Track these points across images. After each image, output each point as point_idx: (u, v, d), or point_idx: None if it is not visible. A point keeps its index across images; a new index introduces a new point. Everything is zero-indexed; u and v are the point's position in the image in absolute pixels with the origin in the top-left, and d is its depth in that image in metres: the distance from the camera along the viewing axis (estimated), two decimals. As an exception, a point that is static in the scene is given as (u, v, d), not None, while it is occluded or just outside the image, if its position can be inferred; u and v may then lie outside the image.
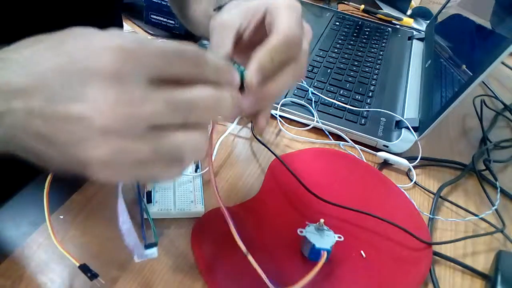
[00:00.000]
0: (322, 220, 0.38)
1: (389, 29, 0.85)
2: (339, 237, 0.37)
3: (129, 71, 0.22)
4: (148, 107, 0.22)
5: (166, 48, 0.23)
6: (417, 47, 0.79)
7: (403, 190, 0.48)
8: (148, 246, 0.34)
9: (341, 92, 0.62)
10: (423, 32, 0.85)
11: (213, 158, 0.32)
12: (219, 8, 0.40)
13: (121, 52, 0.22)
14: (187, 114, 0.24)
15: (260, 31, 0.34)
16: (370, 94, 0.63)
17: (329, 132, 0.55)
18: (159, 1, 1.30)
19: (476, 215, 0.47)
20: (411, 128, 0.55)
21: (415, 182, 0.51)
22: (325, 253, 0.36)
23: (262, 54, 0.30)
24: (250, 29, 0.34)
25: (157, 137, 0.23)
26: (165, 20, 1.33)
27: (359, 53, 0.74)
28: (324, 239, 0.37)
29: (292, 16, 0.31)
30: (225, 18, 0.34)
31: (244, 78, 0.30)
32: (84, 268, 0.33)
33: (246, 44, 0.35)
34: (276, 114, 0.56)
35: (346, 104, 0.58)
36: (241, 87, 0.30)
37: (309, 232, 0.37)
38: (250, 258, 0.32)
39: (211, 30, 0.35)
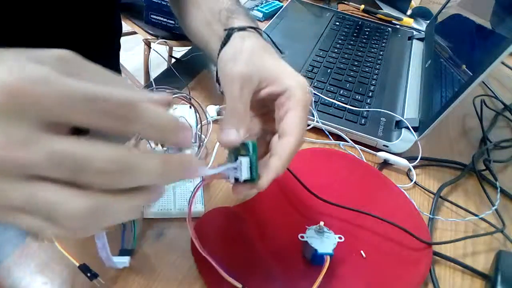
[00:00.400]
0: (322, 223, 0.37)
1: (389, 29, 0.85)
2: (340, 238, 0.37)
3: (12, 110, 0.19)
4: (25, 154, 0.19)
5: (73, 91, 0.20)
6: (417, 47, 0.79)
7: (403, 190, 0.48)
8: (122, 252, 0.35)
9: (341, 92, 0.62)
10: (423, 32, 0.85)
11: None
12: (230, 29, 0.40)
13: (8, 89, 0.19)
14: (76, 173, 0.20)
15: (272, 98, 0.36)
16: (370, 94, 0.63)
17: (329, 132, 0.55)
18: (159, 1, 1.30)
19: (476, 215, 0.47)
20: (411, 128, 0.55)
21: (415, 182, 0.51)
22: (328, 257, 0.36)
23: (276, 165, 0.32)
24: (265, 94, 0.36)
25: (33, 188, 0.20)
26: (165, 20, 1.34)
27: (359, 53, 0.74)
28: (325, 243, 0.37)
29: (305, 119, 0.34)
30: (245, 72, 0.34)
31: (253, 177, 0.32)
32: (84, 268, 0.33)
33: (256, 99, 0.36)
34: (276, 114, 0.56)
35: (346, 104, 0.58)
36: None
37: (310, 237, 0.37)
38: None
39: (229, 78, 0.35)
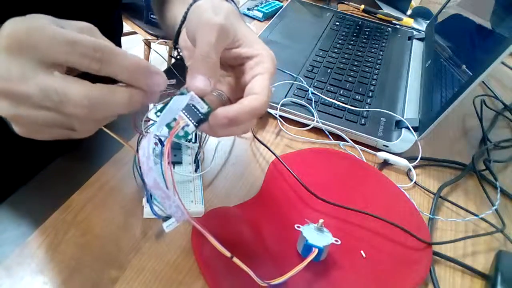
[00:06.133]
0: (321, 221, 0.38)
1: (389, 29, 0.85)
2: (336, 241, 0.37)
3: (15, 52, 0.25)
4: (21, 87, 0.25)
5: (57, 36, 0.25)
6: (417, 47, 0.79)
7: (403, 190, 0.48)
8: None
9: (341, 92, 0.62)
10: (423, 32, 0.85)
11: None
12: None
13: (13, 36, 0.25)
14: (58, 104, 0.26)
15: (239, 61, 0.36)
16: (370, 94, 0.63)
17: (329, 132, 0.55)
18: (159, 1, 1.30)
19: (476, 215, 0.47)
20: (411, 128, 0.55)
21: (415, 182, 0.51)
22: (316, 250, 0.36)
23: (240, 112, 0.31)
24: (235, 54, 0.35)
25: (30, 111, 0.27)
26: (165, 20, 1.34)
27: (359, 53, 0.74)
28: (319, 238, 0.37)
29: (269, 87, 0.34)
30: (224, 24, 0.33)
31: (210, 108, 0.31)
32: None
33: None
34: (276, 114, 0.56)
35: (346, 104, 0.58)
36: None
37: (307, 229, 0.38)
38: (236, 260, 0.32)
39: (208, 25, 0.33)
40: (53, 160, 0.44)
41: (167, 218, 0.33)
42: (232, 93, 0.37)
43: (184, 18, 0.39)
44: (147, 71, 0.28)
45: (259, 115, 0.33)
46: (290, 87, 0.60)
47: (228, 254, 0.31)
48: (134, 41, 1.74)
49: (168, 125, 0.30)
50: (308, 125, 0.55)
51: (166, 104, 0.31)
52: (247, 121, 0.32)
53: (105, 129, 0.32)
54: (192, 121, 0.31)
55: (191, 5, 0.37)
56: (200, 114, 0.31)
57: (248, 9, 0.83)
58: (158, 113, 0.31)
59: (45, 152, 0.45)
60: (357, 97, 0.62)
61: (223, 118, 0.31)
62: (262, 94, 0.32)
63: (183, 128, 0.31)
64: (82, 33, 0.27)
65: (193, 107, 0.31)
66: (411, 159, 0.52)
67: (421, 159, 0.53)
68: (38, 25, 0.25)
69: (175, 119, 0.30)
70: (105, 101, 0.26)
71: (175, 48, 0.44)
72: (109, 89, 0.27)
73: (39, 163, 0.43)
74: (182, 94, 0.31)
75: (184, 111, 0.30)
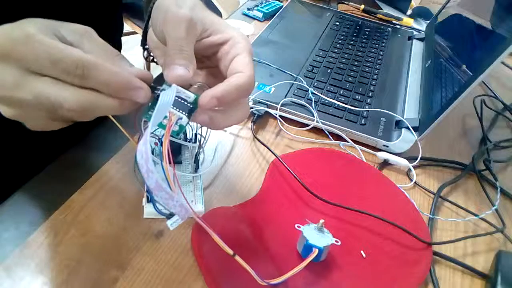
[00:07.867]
0: (322, 221, 0.38)
1: (389, 29, 0.85)
2: (336, 241, 0.37)
3: (3, 61, 0.26)
4: (17, 94, 0.26)
5: (41, 52, 0.26)
6: (417, 47, 0.79)
7: (403, 190, 0.48)
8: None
9: (341, 92, 0.62)
10: (423, 32, 0.85)
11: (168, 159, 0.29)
12: None
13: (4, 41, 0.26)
14: (51, 109, 0.27)
15: (213, 50, 0.35)
16: (370, 94, 0.63)
17: (329, 132, 0.55)
18: (159, 1, 1.30)
19: (476, 215, 0.47)
20: (411, 128, 0.55)
21: (415, 182, 0.51)
22: (316, 250, 0.36)
23: (228, 89, 0.31)
24: (208, 43, 0.35)
25: (29, 112, 0.28)
26: (165, 20, 1.34)
27: (359, 53, 0.74)
28: (320, 238, 0.37)
29: (252, 64, 0.34)
30: (190, 17, 0.32)
31: (196, 96, 0.31)
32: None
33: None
34: (276, 114, 0.56)
35: (346, 104, 0.58)
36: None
37: (307, 229, 0.38)
38: (237, 258, 0.32)
39: (175, 20, 0.32)
40: (53, 160, 0.44)
41: (170, 215, 0.33)
42: (212, 84, 0.35)
43: (149, 17, 0.38)
44: (128, 87, 0.28)
45: (247, 92, 0.33)
46: (290, 87, 0.60)
47: (230, 252, 0.31)
48: (134, 41, 1.74)
49: (161, 125, 0.30)
50: (308, 125, 0.55)
51: (154, 104, 0.30)
52: (236, 100, 0.32)
53: (114, 120, 0.32)
54: (183, 113, 0.31)
55: (153, 2, 0.37)
56: (189, 104, 0.31)
57: (248, 9, 0.83)
58: (149, 115, 0.31)
59: (45, 152, 0.45)
60: (357, 97, 0.62)
61: (212, 98, 0.30)
62: (246, 70, 0.32)
63: (176, 122, 0.31)
64: (78, 35, 0.29)
65: (179, 100, 0.31)
66: (411, 159, 0.52)
67: (421, 159, 0.53)
68: (24, 36, 0.26)
69: (165, 117, 0.30)
70: (96, 106, 0.28)
71: (145, 49, 0.43)
72: (100, 95, 0.28)
73: (39, 163, 0.43)
74: (163, 90, 0.31)
75: (173, 106, 0.30)
